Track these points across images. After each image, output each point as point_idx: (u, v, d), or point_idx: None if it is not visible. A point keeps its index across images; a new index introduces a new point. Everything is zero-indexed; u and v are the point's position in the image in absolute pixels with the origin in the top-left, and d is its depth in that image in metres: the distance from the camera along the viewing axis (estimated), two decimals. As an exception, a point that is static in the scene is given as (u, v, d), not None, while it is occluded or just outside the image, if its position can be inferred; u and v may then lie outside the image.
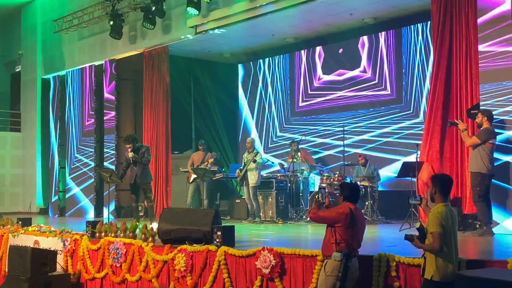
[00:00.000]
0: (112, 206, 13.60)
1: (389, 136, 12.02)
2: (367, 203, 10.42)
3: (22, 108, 17.91)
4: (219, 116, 14.94)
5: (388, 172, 11.63)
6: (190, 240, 7.17)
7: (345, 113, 12.88)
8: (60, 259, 8.59)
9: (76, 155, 15.66)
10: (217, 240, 6.91)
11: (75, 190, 15.51)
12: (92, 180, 14.93)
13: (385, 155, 11.98)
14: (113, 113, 14.56)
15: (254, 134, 14.69)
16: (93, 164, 14.99)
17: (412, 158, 9.92)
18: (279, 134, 14.31)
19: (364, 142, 12.34)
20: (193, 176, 11.73)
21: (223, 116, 15.05)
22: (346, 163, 11.29)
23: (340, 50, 13.08)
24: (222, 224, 7.26)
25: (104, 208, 14.02)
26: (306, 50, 13.78)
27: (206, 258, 6.83)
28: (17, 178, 17.60)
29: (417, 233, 4.79)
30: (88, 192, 15.06)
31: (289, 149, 12.51)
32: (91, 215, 14.65)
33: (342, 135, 11.58)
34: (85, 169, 15.26)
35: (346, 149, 11.80)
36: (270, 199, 11.51)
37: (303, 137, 12.65)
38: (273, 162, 12.87)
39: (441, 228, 4.62)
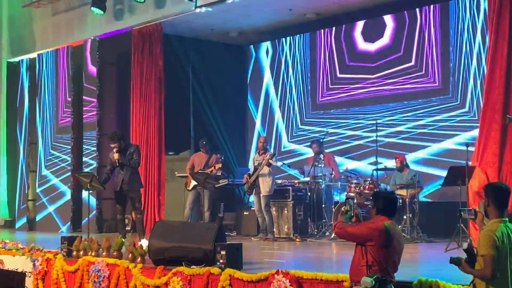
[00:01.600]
0: (92, 219, 13.65)
1: (430, 132, 11.98)
2: (405, 217, 10.39)
3: (-17, 98, 18.02)
4: (224, 109, 14.96)
5: (430, 179, 11.59)
6: (187, 261, 7.19)
7: (377, 106, 12.86)
8: (29, 282, 8.63)
9: (50, 155, 15.73)
10: (221, 261, 6.92)
11: (48, 198, 15.58)
12: (69, 186, 14.99)
13: (426, 155, 11.94)
14: (95, 105, 14.61)
15: (265, 131, 14.70)
16: (68, 168, 15.06)
17: (461, 161, 9.87)
18: (296, 132, 14.30)
19: (398, 134, 12.32)
20: (193, 182, 11.74)
21: (229, 110, 15.08)
22: (378, 167, 11.27)
23: (372, 29, 13.05)
24: (227, 242, 7.27)
25: (83, 221, 14.07)
26: (330, 28, 13.76)
27: (207, 283, 6.84)
28: (-23, 184, 17.71)
29: (465, 255, 4.78)
30: (64, 202, 15.12)
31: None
32: (67, 230, 14.72)
33: (375, 136, 11.53)
34: (61, 172, 15.33)
35: (380, 149, 11.76)
36: (285, 211, 11.50)
37: (328, 131, 12.60)
38: (289, 166, 12.87)
39: (494, 250, 4.60)
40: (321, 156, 11.86)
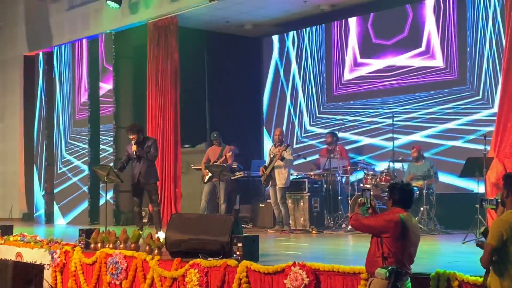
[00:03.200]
0: (110, 211, 13.72)
1: (447, 123, 11.91)
2: (422, 208, 10.34)
3: (0, 92, 18.14)
4: (239, 101, 14.95)
5: (447, 169, 11.53)
6: (204, 253, 7.20)
7: (393, 98, 12.80)
8: (47, 274, 8.68)
9: (67, 149, 15.82)
10: (237, 253, 6.93)
11: (66, 191, 15.67)
12: (87, 180, 15.06)
13: (444, 148, 11.88)
14: (111, 99, 14.66)
15: (281, 123, 14.67)
16: (86, 159, 15.13)
17: (478, 153, 9.81)
18: (312, 123, 14.27)
19: (415, 128, 12.26)
20: (209, 174, 11.77)
21: (244, 102, 15.07)
22: (392, 160, 11.22)
23: (387, 20, 12.98)
24: (244, 234, 7.27)
25: (101, 213, 14.15)
26: (345, 20, 13.70)
27: (224, 275, 6.85)
28: (-5, 177, 17.86)
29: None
30: (81, 195, 15.22)
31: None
32: (84, 222, 14.80)
33: (391, 126, 11.50)
34: (78, 162, 15.41)
35: (396, 139, 11.71)
36: (301, 204, 11.50)
37: (344, 124, 12.57)
38: (305, 158, 12.85)
39: (498, 242, 4.59)
40: (337, 147, 11.85)
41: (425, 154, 11.24)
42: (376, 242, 5.22)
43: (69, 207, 15.52)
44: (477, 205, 8.37)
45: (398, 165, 11.42)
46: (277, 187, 11.25)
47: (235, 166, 12.39)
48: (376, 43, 13.17)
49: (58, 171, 16.01)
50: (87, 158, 15.15)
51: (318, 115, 14.18)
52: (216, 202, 12.10)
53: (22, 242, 9.47)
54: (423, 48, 12.40)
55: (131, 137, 10.33)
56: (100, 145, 14.93)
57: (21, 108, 17.30)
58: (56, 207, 15.95)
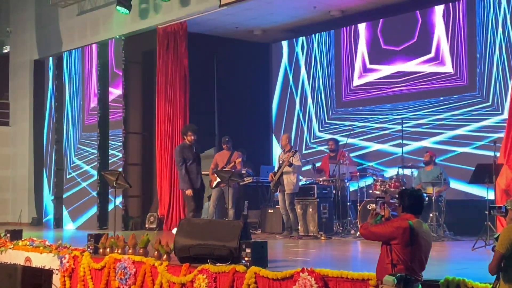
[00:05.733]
0: (119, 216, 13.74)
1: (457, 132, 11.87)
2: (431, 215, 10.31)
3: (11, 97, 18.22)
4: (248, 107, 14.96)
5: (457, 176, 11.49)
6: (213, 259, 7.20)
7: (402, 104, 12.78)
8: (56, 279, 8.71)
9: (76, 153, 15.87)
10: (246, 258, 6.93)
11: (75, 196, 15.72)
12: (96, 185, 15.10)
13: (453, 155, 11.83)
14: (120, 104, 14.70)
15: (290, 129, 14.68)
16: (95, 164, 15.17)
17: (488, 160, 9.78)
18: (321, 129, 14.26)
19: (425, 135, 12.23)
20: (217, 180, 11.78)
21: (253, 107, 15.08)
22: (402, 166, 11.19)
23: (398, 26, 12.97)
24: (252, 240, 7.27)
25: (109, 218, 14.17)
26: (354, 26, 13.70)
27: (232, 281, 6.85)
28: (5, 182, 17.90)
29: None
30: (90, 199, 15.26)
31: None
32: (93, 227, 14.84)
33: (401, 132, 11.48)
34: (87, 167, 15.45)
35: (406, 146, 11.69)
36: (310, 209, 11.48)
37: (352, 130, 12.58)
38: (314, 164, 12.86)
39: (507, 250, 4.59)
40: (345, 153, 11.87)
41: (437, 160, 11.22)
42: (386, 249, 5.21)
43: (78, 212, 15.56)
44: (487, 212, 8.34)
45: (407, 171, 11.40)
46: (285, 193, 11.24)
47: (244, 172, 12.38)
48: (385, 49, 13.16)
49: (67, 176, 16.05)
50: (96, 163, 15.20)
51: (327, 121, 14.18)
52: (224, 208, 12.11)
53: (31, 246, 9.50)
54: (432, 54, 12.38)
55: (194, 138, 10.60)
56: (110, 150, 14.98)
57: (31, 112, 17.36)
58: (65, 212, 15.99)
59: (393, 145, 12.58)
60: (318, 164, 12.72)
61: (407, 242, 5.11)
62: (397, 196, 5.60)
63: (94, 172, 15.18)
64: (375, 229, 5.28)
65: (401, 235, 5.11)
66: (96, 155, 15.23)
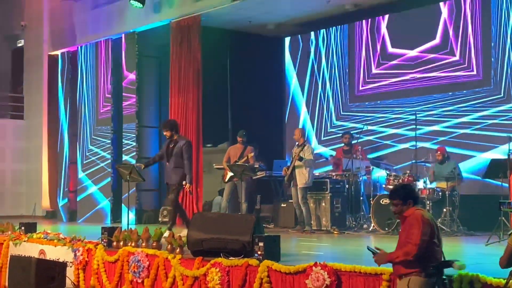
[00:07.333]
0: (132, 210, 13.81)
1: (471, 127, 11.81)
2: (445, 209, 10.28)
3: (25, 91, 18.32)
4: (262, 101, 14.94)
5: (471, 171, 11.44)
6: (226, 252, 7.21)
7: (416, 98, 12.72)
8: (70, 272, 8.75)
9: (90, 147, 15.94)
10: (259, 252, 6.93)
11: (89, 189, 15.81)
12: (109, 178, 15.17)
13: (467, 151, 11.76)
14: (134, 98, 14.75)
15: (304, 123, 14.66)
16: (109, 158, 15.23)
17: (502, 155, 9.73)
18: (335, 123, 14.23)
19: (439, 134, 12.16)
20: (230, 174, 11.79)
21: (266, 101, 15.05)
22: (415, 161, 11.13)
23: (412, 20, 12.91)
24: (265, 234, 7.27)
25: (123, 212, 14.23)
26: (369, 20, 13.64)
27: (245, 275, 6.85)
28: (19, 175, 18.03)
29: None
30: (103, 193, 15.33)
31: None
32: (107, 220, 14.92)
33: (414, 126, 11.43)
34: (102, 164, 15.52)
35: (419, 141, 11.63)
36: (323, 204, 11.48)
37: (364, 127, 12.55)
38: (327, 159, 12.84)
39: None
40: (359, 148, 11.85)
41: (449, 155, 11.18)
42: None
43: (92, 205, 15.63)
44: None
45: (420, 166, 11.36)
46: (298, 187, 11.24)
47: (257, 166, 12.39)
48: (400, 44, 13.09)
49: (82, 169, 16.12)
50: (110, 156, 15.25)
51: (340, 114, 14.12)
52: (237, 202, 12.12)
53: (45, 239, 9.54)
54: (447, 48, 12.29)
55: (164, 133, 10.32)
56: (123, 144, 15.03)
57: (45, 106, 17.44)
58: (79, 205, 16.07)
59: (407, 139, 12.50)
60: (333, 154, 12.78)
61: (431, 231, 5.11)
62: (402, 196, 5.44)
63: (108, 165, 15.23)
64: (416, 240, 5.02)
65: (432, 227, 5.11)
66: (109, 148, 15.27)
